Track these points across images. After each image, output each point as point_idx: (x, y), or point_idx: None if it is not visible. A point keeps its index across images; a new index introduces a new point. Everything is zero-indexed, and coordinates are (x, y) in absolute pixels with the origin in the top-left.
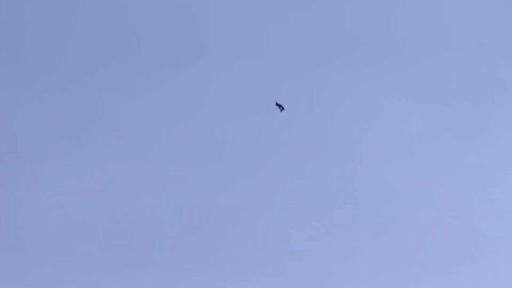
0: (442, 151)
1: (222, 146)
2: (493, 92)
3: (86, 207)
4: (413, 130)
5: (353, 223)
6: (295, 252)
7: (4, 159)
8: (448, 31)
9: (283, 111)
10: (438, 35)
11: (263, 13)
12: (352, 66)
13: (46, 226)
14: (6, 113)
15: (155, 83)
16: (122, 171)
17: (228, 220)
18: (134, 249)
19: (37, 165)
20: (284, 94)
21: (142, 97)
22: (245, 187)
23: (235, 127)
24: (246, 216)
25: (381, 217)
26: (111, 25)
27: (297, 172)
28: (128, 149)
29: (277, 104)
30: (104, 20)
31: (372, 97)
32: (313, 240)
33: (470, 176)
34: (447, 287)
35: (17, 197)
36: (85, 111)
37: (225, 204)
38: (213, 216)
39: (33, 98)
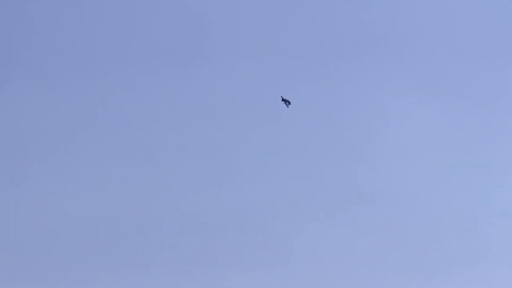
0: (453, 151)
1: (226, 146)
2: (505, 91)
3: (87, 208)
4: (423, 130)
5: (359, 224)
6: (299, 253)
7: (9, 160)
8: (460, 29)
9: (289, 106)
10: (449, 33)
11: (267, 11)
12: (361, 65)
13: (46, 226)
14: (11, 114)
15: (158, 84)
16: (123, 172)
17: (231, 221)
18: (136, 249)
19: (39, 166)
20: (291, 94)
21: (145, 98)
22: (249, 187)
23: (238, 128)
24: (250, 217)
25: (389, 218)
26: (112, 26)
27: (304, 172)
28: (130, 150)
29: (283, 100)
30: (104, 21)
31: (381, 96)
32: (317, 241)
33: (481, 176)
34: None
35: (20, 198)
36: (87, 112)
37: (229, 204)
38: (216, 216)
39: (35, 100)
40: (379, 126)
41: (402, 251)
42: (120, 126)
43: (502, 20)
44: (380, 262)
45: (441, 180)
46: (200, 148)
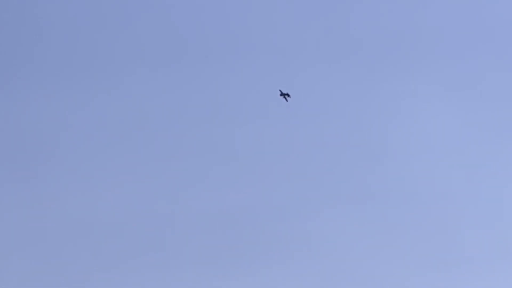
0: (468, 151)
1: (230, 146)
2: None
3: (86, 209)
4: (433, 129)
5: (368, 222)
6: (306, 252)
7: (9, 160)
8: (474, 30)
9: (289, 99)
10: (462, 33)
11: (273, 10)
12: (370, 65)
13: (46, 226)
14: (12, 114)
15: (158, 84)
16: (124, 172)
17: (233, 221)
18: (145, 250)
19: (39, 166)
20: (301, 94)
21: (145, 98)
22: (255, 187)
23: (252, 127)
24: (254, 217)
25: (404, 215)
26: (111, 27)
27: (311, 171)
28: (130, 150)
29: (281, 94)
30: (104, 21)
31: (398, 95)
32: (325, 241)
33: (494, 176)
34: (475, 284)
35: (21, 198)
36: (88, 112)
37: (232, 205)
38: (218, 217)
39: (35, 100)
40: (390, 125)
41: (423, 249)
42: (121, 126)
43: None
44: (389, 259)
45: (453, 179)
46: (205, 148)
